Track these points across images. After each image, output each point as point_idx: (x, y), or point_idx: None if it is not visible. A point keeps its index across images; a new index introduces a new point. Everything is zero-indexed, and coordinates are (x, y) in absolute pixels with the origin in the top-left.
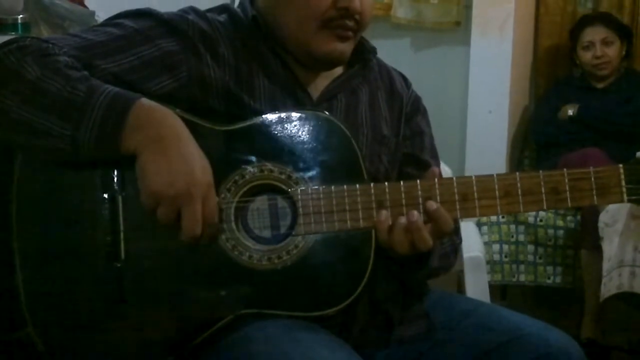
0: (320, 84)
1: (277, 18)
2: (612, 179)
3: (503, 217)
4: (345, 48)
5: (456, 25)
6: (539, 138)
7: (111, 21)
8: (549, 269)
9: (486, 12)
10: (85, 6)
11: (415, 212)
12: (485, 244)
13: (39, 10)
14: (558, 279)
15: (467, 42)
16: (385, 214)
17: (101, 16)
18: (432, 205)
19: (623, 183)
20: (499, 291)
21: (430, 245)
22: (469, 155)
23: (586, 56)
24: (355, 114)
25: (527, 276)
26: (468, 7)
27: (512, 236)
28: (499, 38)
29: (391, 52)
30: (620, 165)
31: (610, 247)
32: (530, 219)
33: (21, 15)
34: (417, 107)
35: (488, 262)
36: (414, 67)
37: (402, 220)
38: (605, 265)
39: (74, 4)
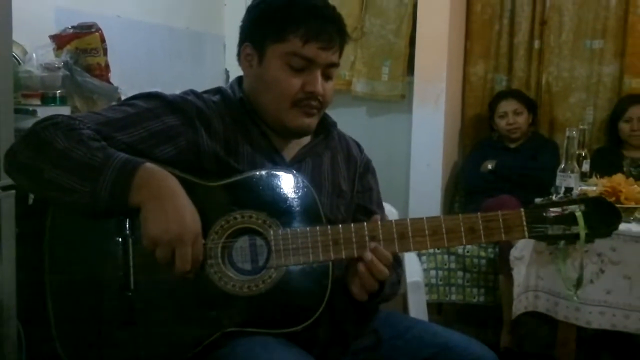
0: (292, 150)
1: (258, 99)
2: (515, 220)
3: (438, 249)
4: (312, 122)
5: (401, 98)
6: (466, 186)
7: (126, 101)
8: (475, 290)
9: (424, 88)
10: (110, 83)
11: (368, 253)
12: (425, 270)
13: (74, 86)
14: (482, 299)
15: (410, 111)
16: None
17: (123, 89)
18: (372, 244)
19: (524, 223)
20: (436, 308)
21: (386, 273)
22: (412, 199)
23: (501, 123)
24: (320, 174)
25: (457, 296)
26: (410, 83)
27: (446, 264)
28: (434, 108)
29: (351, 119)
30: (522, 209)
31: (519, 276)
32: (460, 251)
33: (59, 90)
34: (367, 168)
35: (426, 285)
36: (369, 131)
37: (361, 267)
38: (516, 290)
39: (101, 81)
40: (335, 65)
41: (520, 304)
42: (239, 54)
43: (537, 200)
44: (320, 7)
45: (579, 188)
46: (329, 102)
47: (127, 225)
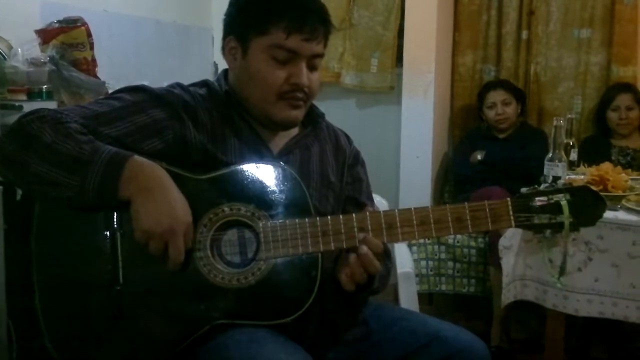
0: (280, 142)
1: (244, 92)
2: (502, 209)
3: (428, 239)
4: (298, 114)
5: (390, 90)
6: (455, 177)
7: (113, 95)
8: (465, 280)
9: (413, 79)
10: (97, 77)
11: (364, 246)
12: (415, 260)
13: (60, 80)
14: (472, 289)
15: (399, 102)
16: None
17: (110, 84)
18: (360, 235)
19: (511, 212)
20: (426, 298)
21: (379, 269)
22: (402, 190)
23: (490, 114)
24: (308, 165)
25: (447, 286)
26: (399, 75)
27: (436, 254)
28: (423, 99)
29: (340, 111)
30: (508, 199)
31: (508, 265)
32: (450, 241)
33: (45, 86)
34: (357, 159)
35: (417, 275)
36: (358, 122)
37: (353, 257)
38: (505, 280)
39: (88, 76)
40: (320, 55)
41: (509, 293)
42: (223, 48)
43: (524, 189)
44: None
45: (567, 177)
46: (316, 93)
47: (116, 220)
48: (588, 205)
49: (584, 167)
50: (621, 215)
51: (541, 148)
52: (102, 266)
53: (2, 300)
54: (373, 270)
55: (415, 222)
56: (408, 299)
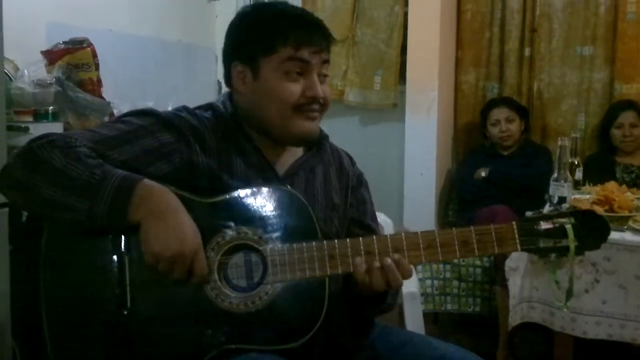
0: (285, 164)
1: (259, 113)
2: (508, 233)
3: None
4: (315, 126)
5: (394, 107)
6: (459, 194)
7: (120, 119)
8: (470, 300)
9: (416, 97)
10: (102, 97)
11: (388, 258)
12: (420, 279)
13: (66, 102)
14: (477, 308)
15: (402, 119)
16: (359, 259)
17: (115, 103)
18: (395, 256)
19: (516, 236)
20: (432, 318)
21: (401, 283)
22: (406, 208)
23: (494, 131)
24: (313, 187)
25: (452, 306)
26: (403, 92)
27: (441, 273)
28: (426, 117)
29: (344, 128)
30: (514, 223)
31: (514, 287)
32: (455, 260)
33: (52, 107)
34: (360, 181)
35: (422, 295)
36: (362, 140)
37: (377, 264)
38: (511, 301)
39: (94, 97)
40: (326, 62)
41: (516, 315)
42: (227, 74)
43: (528, 213)
44: (303, 15)
45: (572, 197)
46: (329, 104)
47: (124, 243)
48: (593, 229)
49: (590, 186)
50: (628, 236)
51: (545, 165)
52: (110, 290)
53: (7, 322)
54: (395, 284)
55: (422, 245)
56: (413, 318)
